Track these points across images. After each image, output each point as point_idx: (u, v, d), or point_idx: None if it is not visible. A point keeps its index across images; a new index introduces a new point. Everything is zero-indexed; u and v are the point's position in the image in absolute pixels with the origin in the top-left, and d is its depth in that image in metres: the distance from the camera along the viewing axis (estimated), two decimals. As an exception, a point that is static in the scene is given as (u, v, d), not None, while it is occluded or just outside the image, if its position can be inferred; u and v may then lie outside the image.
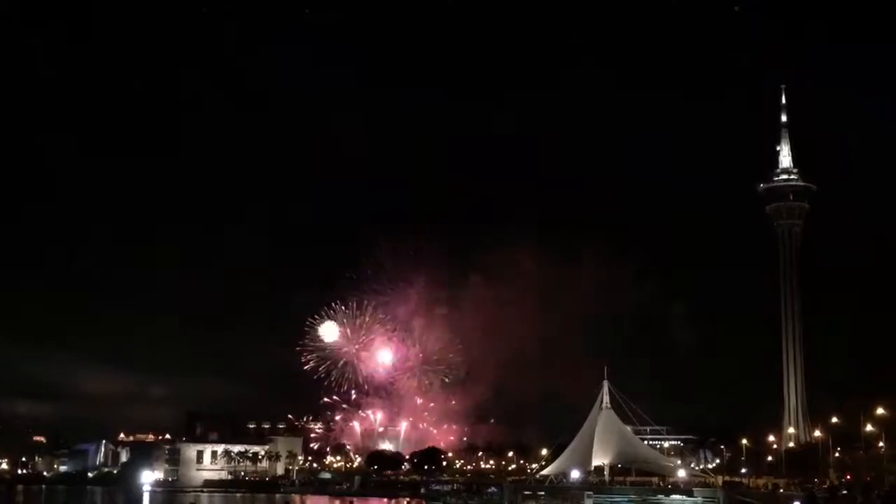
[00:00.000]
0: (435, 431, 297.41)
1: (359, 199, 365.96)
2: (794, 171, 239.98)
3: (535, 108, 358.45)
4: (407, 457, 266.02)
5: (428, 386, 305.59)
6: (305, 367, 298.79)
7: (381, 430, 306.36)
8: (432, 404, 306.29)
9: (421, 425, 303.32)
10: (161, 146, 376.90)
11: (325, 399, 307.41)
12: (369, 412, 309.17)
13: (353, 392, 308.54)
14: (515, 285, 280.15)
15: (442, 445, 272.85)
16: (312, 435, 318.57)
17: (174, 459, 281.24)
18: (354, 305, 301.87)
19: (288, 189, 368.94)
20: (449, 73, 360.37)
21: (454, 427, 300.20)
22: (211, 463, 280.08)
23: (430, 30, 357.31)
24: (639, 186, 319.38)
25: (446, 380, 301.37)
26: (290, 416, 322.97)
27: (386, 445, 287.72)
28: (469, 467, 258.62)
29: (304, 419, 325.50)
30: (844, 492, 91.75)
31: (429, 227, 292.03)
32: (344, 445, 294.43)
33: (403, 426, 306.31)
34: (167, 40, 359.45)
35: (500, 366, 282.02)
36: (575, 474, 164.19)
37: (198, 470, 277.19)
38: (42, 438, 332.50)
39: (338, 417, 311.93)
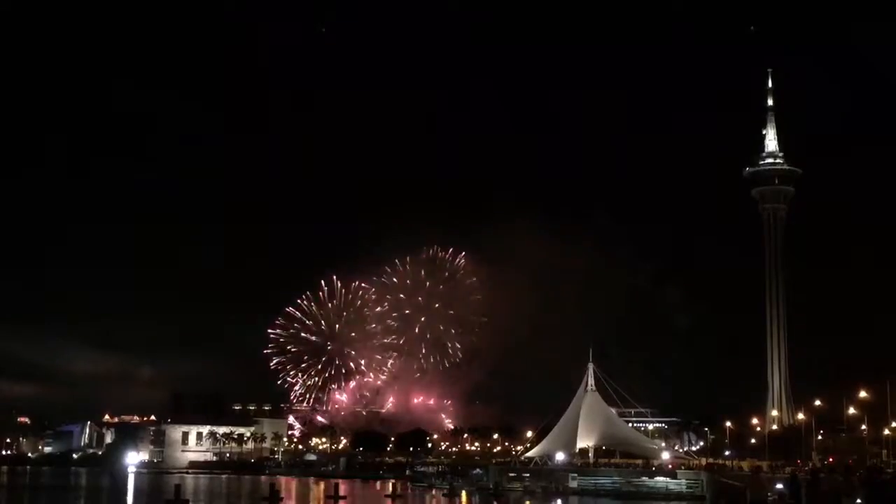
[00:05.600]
0: (421, 412, 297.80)
1: (352, 180, 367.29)
2: (780, 155, 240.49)
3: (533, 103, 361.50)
4: (392, 438, 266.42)
5: (422, 368, 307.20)
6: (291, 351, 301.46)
7: (367, 410, 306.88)
8: (421, 385, 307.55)
9: (408, 406, 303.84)
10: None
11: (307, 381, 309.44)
12: (357, 393, 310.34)
13: (341, 374, 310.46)
14: (511, 266, 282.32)
15: (427, 427, 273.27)
16: (297, 416, 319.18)
17: (159, 441, 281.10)
18: (346, 287, 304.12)
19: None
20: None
21: (441, 408, 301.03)
22: (196, 444, 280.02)
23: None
24: (632, 170, 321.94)
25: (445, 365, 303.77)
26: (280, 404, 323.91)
27: (372, 426, 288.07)
28: (454, 449, 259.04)
29: (289, 402, 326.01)
30: (824, 475, 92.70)
31: (427, 206, 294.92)
32: (330, 426, 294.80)
33: (389, 403, 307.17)
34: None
35: (493, 347, 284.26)
36: (560, 456, 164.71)
37: (183, 451, 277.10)
38: (26, 420, 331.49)
39: (324, 398, 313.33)
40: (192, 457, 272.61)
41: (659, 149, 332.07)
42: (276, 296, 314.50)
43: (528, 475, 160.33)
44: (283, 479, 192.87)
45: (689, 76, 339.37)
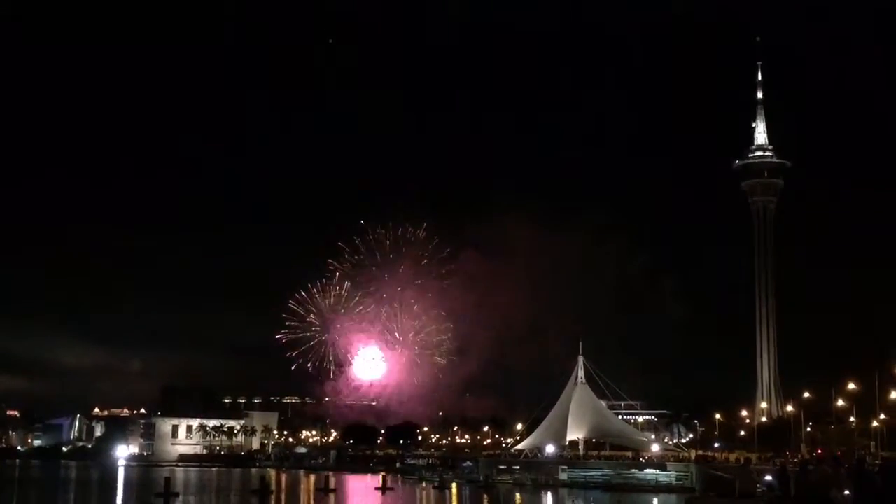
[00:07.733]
0: (412, 404, 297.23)
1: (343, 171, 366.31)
2: (770, 147, 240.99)
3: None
4: (383, 431, 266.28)
5: (415, 362, 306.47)
6: (283, 342, 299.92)
7: (358, 402, 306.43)
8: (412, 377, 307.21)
9: (399, 398, 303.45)
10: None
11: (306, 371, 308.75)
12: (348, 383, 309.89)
13: (331, 367, 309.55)
14: (504, 260, 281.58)
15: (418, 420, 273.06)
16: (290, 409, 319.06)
17: (149, 434, 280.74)
18: (336, 280, 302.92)
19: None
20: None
21: (431, 401, 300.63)
22: (186, 437, 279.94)
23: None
24: (624, 165, 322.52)
25: (439, 360, 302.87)
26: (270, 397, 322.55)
27: (363, 419, 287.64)
28: (445, 442, 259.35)
29: (280, 396, 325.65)
30: (812, 466, 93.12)
31: (418, 199, 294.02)
32: (321, 419, 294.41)
33: (380, 396, 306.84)
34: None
35: (485, 340, 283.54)
36: (550, 449, 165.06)
37: (173, 444, 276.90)
38: (15, 413, 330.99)
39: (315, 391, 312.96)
40: (182, 450, 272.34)
41: (649, 142, 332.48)
42: (266, 289, 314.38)
43: (518, 468, 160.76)
44: (273, 472, 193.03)
45: (679, 70, 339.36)
